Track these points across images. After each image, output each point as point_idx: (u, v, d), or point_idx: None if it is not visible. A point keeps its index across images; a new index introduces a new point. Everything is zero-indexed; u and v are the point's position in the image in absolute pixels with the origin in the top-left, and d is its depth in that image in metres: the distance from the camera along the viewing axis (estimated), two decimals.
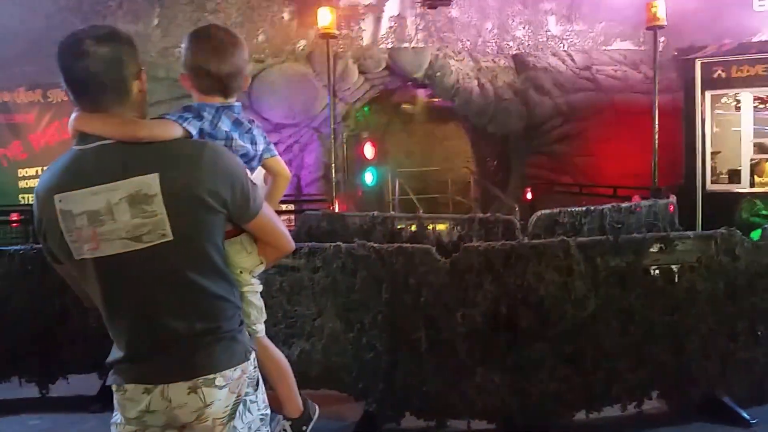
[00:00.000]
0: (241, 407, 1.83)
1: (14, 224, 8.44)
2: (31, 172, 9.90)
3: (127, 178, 1.68)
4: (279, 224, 2.03)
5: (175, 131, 1.79)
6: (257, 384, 1.91)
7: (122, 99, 1.75)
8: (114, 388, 1.79)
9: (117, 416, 1.83)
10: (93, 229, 1.68)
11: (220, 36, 2.01)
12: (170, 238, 1.70)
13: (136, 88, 1.79)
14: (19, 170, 9.94)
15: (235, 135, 2.02)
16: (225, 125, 1.99)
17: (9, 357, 4.35)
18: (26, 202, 9.70)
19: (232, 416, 1.80)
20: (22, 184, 9.91)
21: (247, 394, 1.85)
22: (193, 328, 1.77)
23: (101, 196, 1.68)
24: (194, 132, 1.85)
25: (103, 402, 4.39)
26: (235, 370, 1.80)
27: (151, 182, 1.68)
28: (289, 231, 6.12)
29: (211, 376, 1.76)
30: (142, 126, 1.75)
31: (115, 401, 1.81)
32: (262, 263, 2.06)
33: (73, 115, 1.76)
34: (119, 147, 1.71)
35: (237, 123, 2.04)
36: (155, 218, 1.69)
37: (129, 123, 1.74)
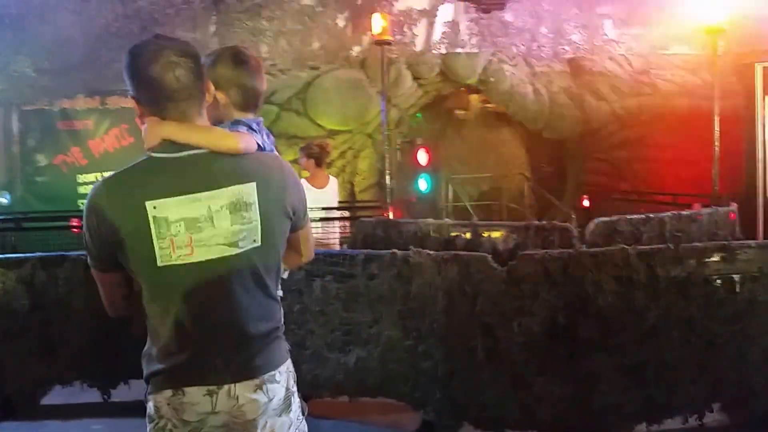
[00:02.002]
0: (291, 398, 1.94)
1: (74, 229, 8.60)
2: (90, 178, 10.07)
3: (229, 186, 1.78)
4: (312, 234, 2.18)
5: (255, 144, 1.94)
6: (295, 376, 2.03)
7: (201, 110, 1.85)
8: (169, 393, 1.79)
9: (163, 421, 1.82)
10: (189, 236, 1.74)
11: (255, 57, 2.19)
12: (259, 244, 1.83)
13: (207, 101, 1.90)
14: (78, 176, 10.15)
15: (271, 147, 2.15)
16: (264, 137, 2.11)
17: (72, 361, 4.44)
18: None
19: (286, 409, 1.91)
20: (81, 189, 10.12)
21: (293, 386, 1.97)
22: (261, 328, 1.88)
23: (203, 203, 1.75)
24: (261, 144, 1.99)
25: None
26: (285, 365, 1.94)
27: (250, 191, 1.81)
28: (345, 238, 6.16)
29: (273, 372, 1.88)
30: (238, 138, 1.87)
31: (164, 408, 1.81)
32: (286, 270, 2.21)
33: (155, 124, 1.80)
34: (213, 156, 1.80)
35: (267, 135, 2.17)
36: (251, 225, 1.81)
37: (227, 135, 1.86)
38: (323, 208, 6.34)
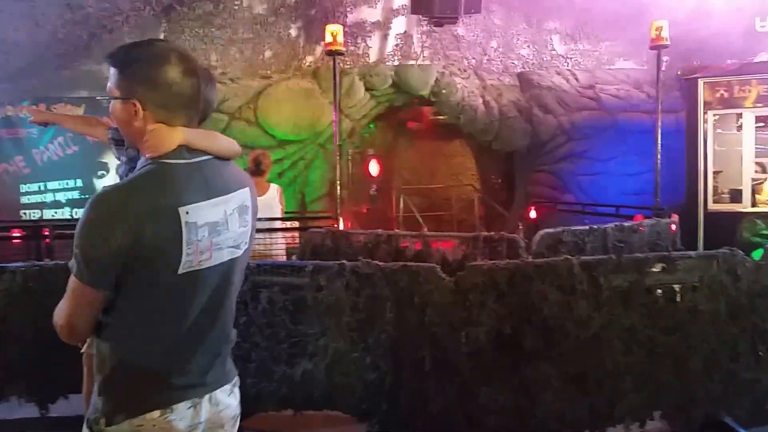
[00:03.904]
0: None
1: (15, 240, 8.35)
2: (34, 187, 9.87)
3: (237, 190, 1.84)
4: None
5: None
6: None
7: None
8: (156, 414, 1.72)
9: None
10: (211, 240, 1.75)
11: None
12: (247, 246, 1.89)
13: None
14: (21, 185, 9.90)
15: None
16: None
17: (9, 376, 4.30)
18: (28, 218, 9.65)
19: (238, 416, 1.96)
20: (24, 199, 9.87)
21: None
22: (233, 333, 1.94)
23: (220, 207, 1.78)
24: None
25: None
26: None
27: (248, 195, 1.88)
28: (294, 249, 6.11)
29: (236, 377, 1.97)
30: (237, 145, 1.95)
31: (144, 430, 1.72)
32: None
33: (170, 131, 1.75)
34: (219, 162, 1.84)
35: None
36: (247, 228, 1.87)
37: (232, 142, 1.92)
38: (266, 219, 6.33)
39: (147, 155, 1.75)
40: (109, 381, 1.74)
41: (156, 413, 1.72)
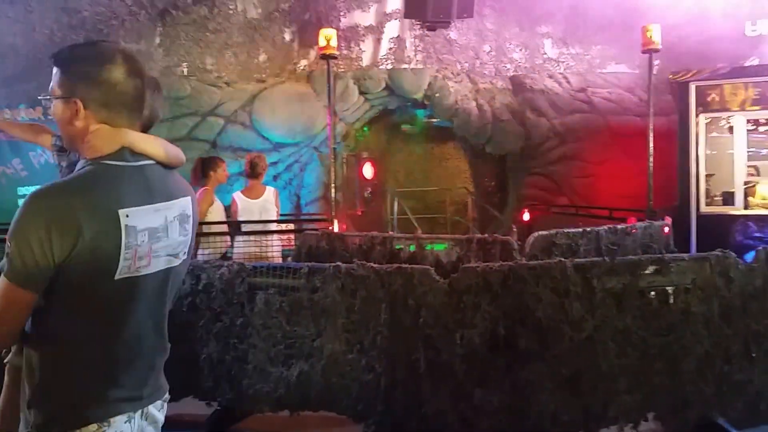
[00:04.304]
0: None
1: None
2: (31, 190, 9.83)
3: (179, 198, 1.80)
4: None
5: None
6: None
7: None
8: (93, 428, 1.65)
9: None
10: (150, 246, 1.69)
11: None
12: (186, 256, 1.84)
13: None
14: (18, 189, 9.86)
15: None
16: None
17: None
18: None
19: None
20: (21, 202, 9.83)
21: None
22: (168, 346, 1.88)
23: (161, 214, 1.73)
24: None
25: None
26: None
27: (189, 204, 1.84)
28: (289, 251, 6.14)
29: (167, 393, 1.90)
30: (182, 155, 1.90)
31: None
32: None
33: (113, 131, 1.71)
34: (161, 168, 1.79)
35: None
36: (187, 237, 1.83)
37: (177, 149, 1.86)
38: (262, 221, 6.37)
39: (88, 156, 1.70)
40: (39, 392, 1.65)
41: (93, 427, 1.65)
